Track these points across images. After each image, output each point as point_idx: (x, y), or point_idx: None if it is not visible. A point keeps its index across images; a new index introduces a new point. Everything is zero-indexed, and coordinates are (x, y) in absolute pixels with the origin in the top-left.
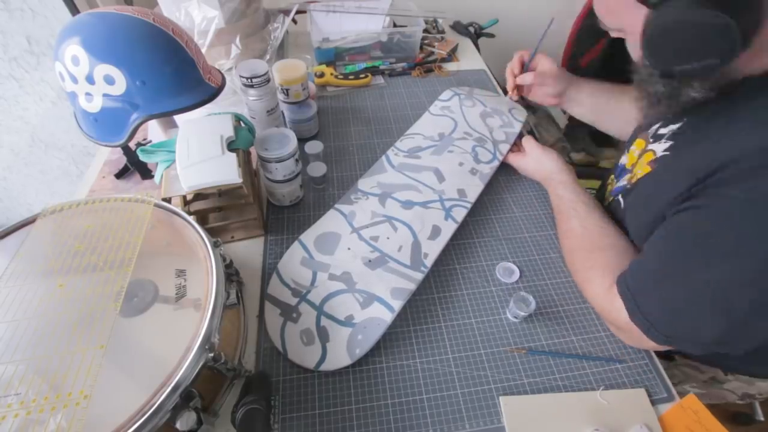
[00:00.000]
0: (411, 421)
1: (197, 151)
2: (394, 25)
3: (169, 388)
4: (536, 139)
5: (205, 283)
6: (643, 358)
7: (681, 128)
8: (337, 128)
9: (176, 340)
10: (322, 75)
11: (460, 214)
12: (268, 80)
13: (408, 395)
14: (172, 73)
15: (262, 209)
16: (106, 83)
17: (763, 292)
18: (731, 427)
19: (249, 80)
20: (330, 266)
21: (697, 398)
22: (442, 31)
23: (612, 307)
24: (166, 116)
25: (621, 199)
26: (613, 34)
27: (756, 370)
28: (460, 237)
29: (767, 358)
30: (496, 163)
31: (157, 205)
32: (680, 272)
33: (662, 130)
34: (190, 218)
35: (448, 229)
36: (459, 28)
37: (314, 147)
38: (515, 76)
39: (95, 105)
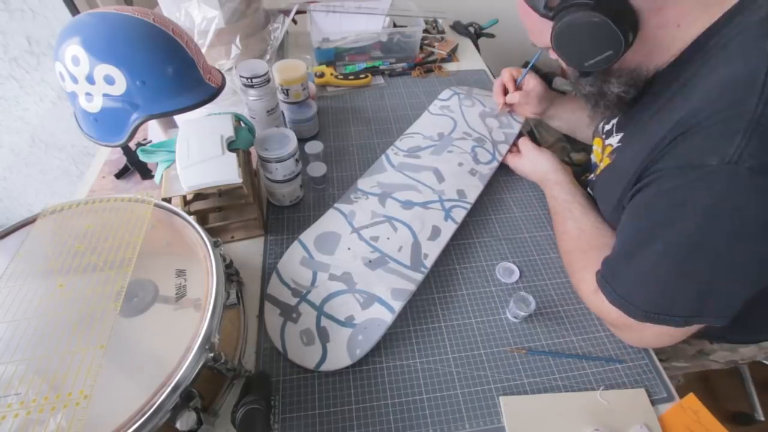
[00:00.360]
0: (411, 421)
1: (197, 151)
2: (394, 25)
3: (169, 388)
4: (535, 139)
5: (205, 283)
6: (643, 358)
7: (621, 122)
8: (337, 128)
9: (176, 340)
10: (322, 75)
11: (459, 215)
12: (268, 80)
13: (408, 395)
14: (172, 73)
15: (262, 209)
16: (106, 83)
17: (716, 255)
18: (731, 427)
19: (249, 80)
20: (330, 266)
21: (696, 398)
22: (442, 31)
23: (602, 305)
24: (166, 116)
25: (591, 192)
26: (551, 54)
27: (737, 338)
28: (460, 237)
29: (745, 325)
30: (495, 164)
31: (157, 205)
32: (639, 249)
33: (606, 126)
34: (190, 218)
35: (448, 229)
36: (459, 28)
37: (314, 147)
38: (505, 94)
39: (95, 105)
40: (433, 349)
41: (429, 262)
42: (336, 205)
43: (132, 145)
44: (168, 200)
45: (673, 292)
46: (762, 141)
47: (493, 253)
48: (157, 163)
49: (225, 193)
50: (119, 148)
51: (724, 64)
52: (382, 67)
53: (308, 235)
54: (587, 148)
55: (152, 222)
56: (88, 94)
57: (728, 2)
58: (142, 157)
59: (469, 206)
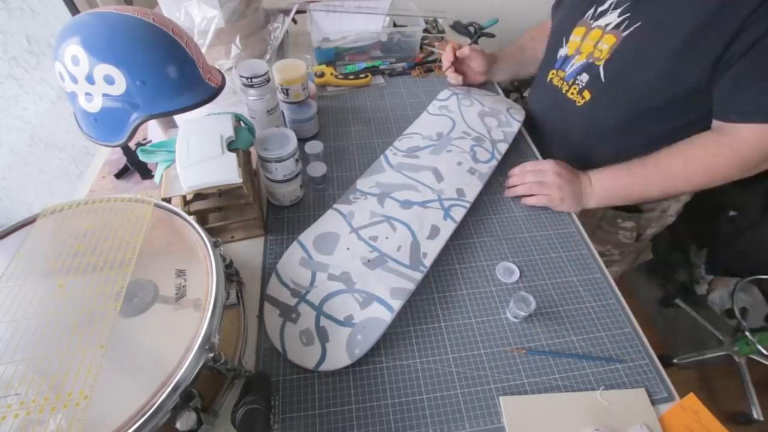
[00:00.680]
0: (411, 421)
1: (197, 151)
2: (394, 25)
3: (169, 388)
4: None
5: (205, 283)
6: (644, 358)
7: None
8: (337, 128)
9: (176, 340)
10: (322, 75)
11: (459, 213)
12: (268, 80)
13: (408, 395)
14: (172, 73)
15: (262, 209)
16: (106, 83)
17: None
18: (731, 427)
19: (249, 80)
20: (329, 266)
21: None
22: (442, 31)
23: (744, 141)
24: (166, 116)
25: (591, 73)
26: None
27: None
28: (460, 237)
29: None
30: (494, 163)
31: (157, 205)
32: None
33: (601, 8)
34: (190, 218)
35: (447, 228)
36: (459, 28)
37: (314, 147)
38: (450, 58)
39: (95, 105)
40: (433, 349)
41: (428, 261)
42: (335, 205)
43: (132, 145)
44: (168, 200)
45: None
46: None
47: (493, 253)
48: (157, 163)
49: (225, 193)
50: (119, 148)
51: None
52: (382, 67)
53: (307, 236)
54: None
55: (152, 222)
56: (87, 94)
57: None
58: (142, 157)
59: (468, 205)
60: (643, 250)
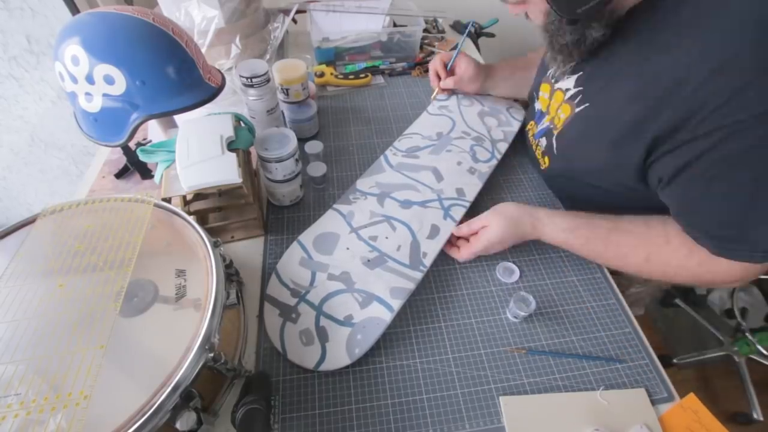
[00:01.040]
0: (411, 421)
1: (197, 151)
2: (394, 25)
3: (169, 388)
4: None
5: (205, 283)
6: (644, 358)
7: (578, 64)
8: (337, 128)
9: (176, 340)
10: (322, 75)
11: (458, 213)
12: (268, 80)
13: (408, 395)
14: (172, 73)
15: (262, 209)
16: (106, 83)
17: None
18: (731, 427)
19: (249, 80)
20: (329, 266)
21: (696, 398)
22: (442, 31)
23: (719, 268)
24: (166, 116)
25: (548, 141)
26: (514, 10)
27: None
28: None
29: None
30: (494, 162)
31: (157, 205)
32: (759, 199)
33: (558, 72)
34: (190, 218)
35: (447, 228)
36: (459, 27)
37: (314, 147)
38: (439, 80)
39: (95, 105)
40: (433, 349)
41: (428, 261)
42: (335, 205)
43: (132, 145)
44: (168, 200)
45: None
46: None
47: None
48: (157, 163)
49: (225, 193)
50: (119, 148)
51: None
52: (382, 67)
53: (307, 236)
54: None
55: (152, 222)
56: (87, 93)
57: None
58: (141, 157)
59: (468, 204)
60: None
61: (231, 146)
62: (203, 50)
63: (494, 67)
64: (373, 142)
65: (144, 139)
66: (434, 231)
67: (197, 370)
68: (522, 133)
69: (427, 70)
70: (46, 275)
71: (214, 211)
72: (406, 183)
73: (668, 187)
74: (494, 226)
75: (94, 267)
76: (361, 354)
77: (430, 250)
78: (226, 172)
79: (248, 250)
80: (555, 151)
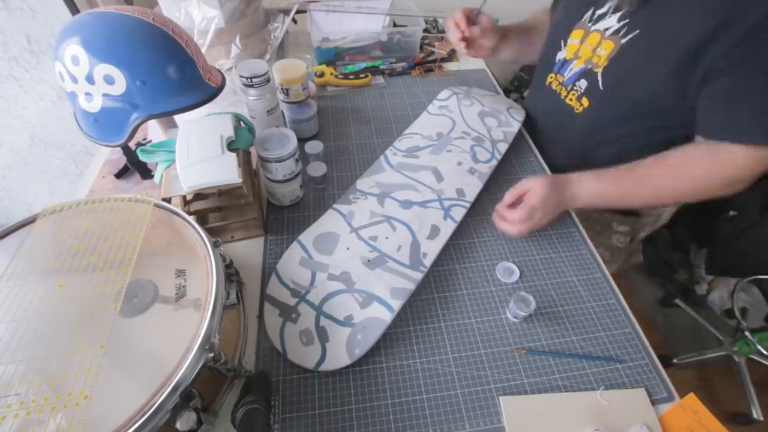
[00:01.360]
0: (411, 421)
1: (197, 151)
2: (394, 25)
3: (169, 388)
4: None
5: (205, 283)
6: (644, 358)
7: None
8: (337, 128)
9: (176, 340)
10: (322, 75)
11: (458, 213)
12: (268, 80)
13: (408, 395)
14: (172, 73)
15: (262, 209)
16: (106, 83)
17: None
18: (731, 427)
19: (249, 80)
20: (329, 266)
21: (696, 398)
22: (442, 31)
23: (737, 162)
24: (166, 116)
25: (589, 80)
26: None
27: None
28: (460, 237)
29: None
30: (494, 163)
31: (157, 205)
32: None
33: (599, 11)
34: (190, 218)
35: (447, 228)
36: None
37: (314, 147)
38: (462, 30)
39: (95, 105)
40: (433, 349)
41: (428, 261)
42: (335, 205)
43: (132, 145)
44: (168, 200)
45: None
46: None
47: (493, 253)
48: (157, 163)
49: (225, 193)
50: (119, 148)
51: None
52: (382, 67)
53: (307, 236)
54: None
55: (152, 222)
56: (87, 93)
57: None
58: (142, 157)
59: (468, 205)
60: (634, 253)
61: (231, 146)
62: (203, 50)
63: (505, 29)
64: (373, 142)
65: (144, 139)
66: (434, 231)
67: (197, 370)
68: (535, 89)
69: (427, 71)
70: (46, 275)
71: (214, 211)
72: (407, 183)
73: (719, 79)
74: (537, 189)
75: (94, 267)
76: (361, 354)
77: (431, 250)
78: (226, 172)
79: (248, 250)
80: (601, 87)
